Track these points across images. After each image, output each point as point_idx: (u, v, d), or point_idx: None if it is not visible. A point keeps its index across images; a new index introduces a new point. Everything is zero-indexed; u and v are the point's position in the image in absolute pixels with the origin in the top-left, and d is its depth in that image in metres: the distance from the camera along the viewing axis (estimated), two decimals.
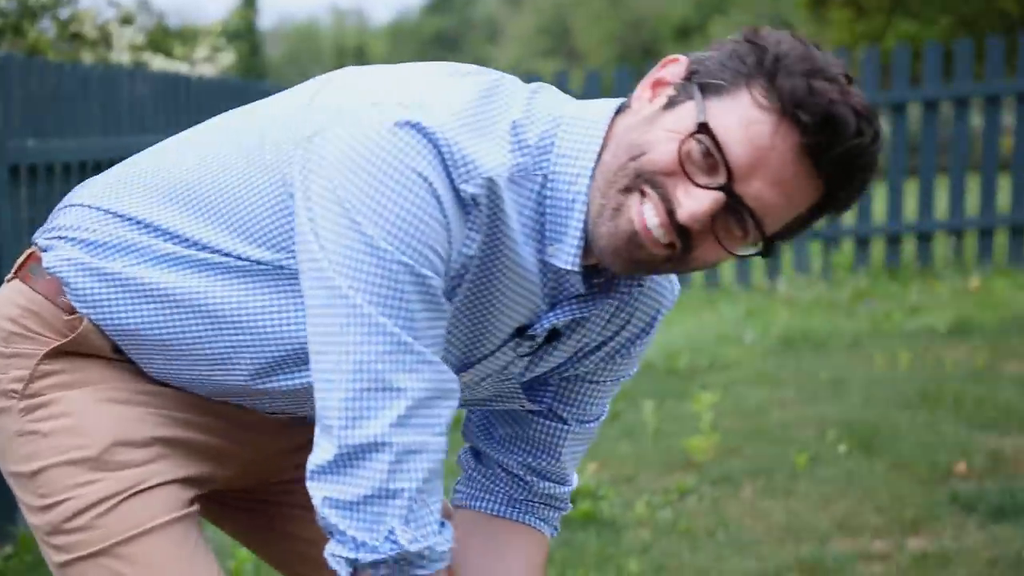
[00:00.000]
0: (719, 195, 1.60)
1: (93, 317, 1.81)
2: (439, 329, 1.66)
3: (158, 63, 7.18)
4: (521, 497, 2.02)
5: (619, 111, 1.72)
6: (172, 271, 1.78)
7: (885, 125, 9.66)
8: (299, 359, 1.77)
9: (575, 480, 2.07)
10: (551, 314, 1.79)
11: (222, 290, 1.76)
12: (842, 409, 5.50)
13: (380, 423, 1.61)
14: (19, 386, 1.83)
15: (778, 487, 4.56)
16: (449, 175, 1.60)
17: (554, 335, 1.83)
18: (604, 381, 1.97)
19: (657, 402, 5.63)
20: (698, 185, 1.60)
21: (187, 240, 1.78)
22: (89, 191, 1.91)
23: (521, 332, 1.80)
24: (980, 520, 4.08)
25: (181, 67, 7.66)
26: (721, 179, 1.60)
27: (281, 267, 1.73)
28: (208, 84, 6.87)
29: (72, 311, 1.82)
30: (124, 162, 1.96)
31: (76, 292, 1.82)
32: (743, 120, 1.59)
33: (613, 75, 9.80)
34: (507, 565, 2.01)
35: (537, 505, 2.03)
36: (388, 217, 1.59)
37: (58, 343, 1.82)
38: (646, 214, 1.63)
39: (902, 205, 9.35)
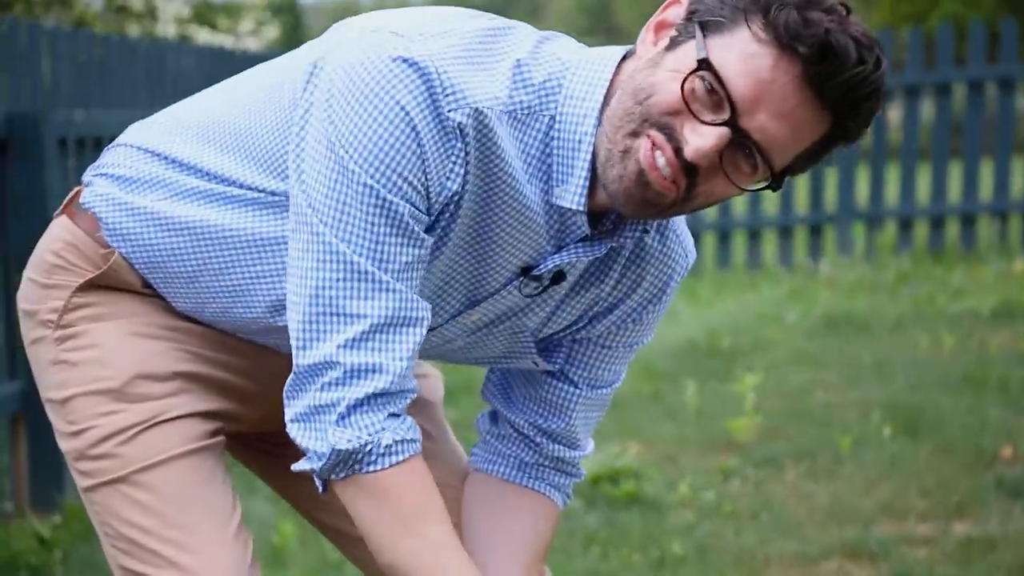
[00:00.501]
0: (724, 130, 1.63)
1: (123, 250, 1.90)
2: (409, 257, 1.68)
3: (203, 36, 7.20)
4: (531, 460, 2.03)
5: (626, 57, 1.75)
6: (196, 204, 1.85)
7: (929, 106, 9.58)
8: None
9: (590, 447, 2.08)
10: (556, 256, 1.80)
11: (241, 221, 1.82)
12: (886, 392, 5.47)
13: (330, 345, 1.67)
14: (55, 316, 1.92)
15: (822, 470, 4.54)
16: (435, 103, 1.63)
17: (559, 277, 1.84)
18: (616, 346, 1.98)
19: (699, 383, 5.60)
20: (703, 122, 1.63)
21: (210, 174, 1.85)
22: (133, 132, 2.00)
23: (526, 272, 1.82)
24: None
25: (226, 41, 7.67)
26: (725, 114, 1.62)
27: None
28: (252, 58, 6.87)
29: (107, 245, 1.90)
30: (170, 107, 2.05)
31: (108, 226, 1.90)
32: (743, 54, 1.61)
33: None
34: (512, 532, 2.02)
35: (548, 470, 2.03)
36: (362, 142, 1.63)
37: (91, 275, 1.90)
38: (655, 154, 1.65)
39: (946, 187, 9.27)
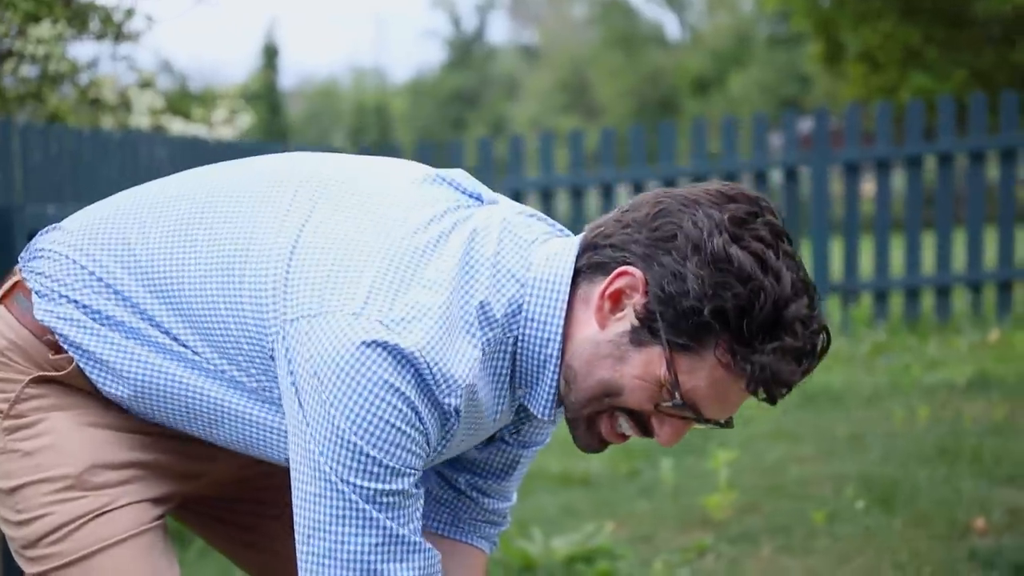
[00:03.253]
0: (692, 421, 1.80)
1: (85, 370, 1.90)
2: (419, 511, 1.81)
3: (177, 126, 7.25)
4: (466, 516, 2.16)
5: (579, 277, 1.82)
6: (173, 362, 1.87)
7: (900, 179, 9.68)
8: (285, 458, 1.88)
9: (515, 497, 2.22)
10: (516, 423, 2.02)
11: (230, 397, 1.86)
12: (860, 465, 5.49)
13: None
14: (4, 406, 1.93)
15: (796, 544, 4.55)
16: (431, 392, 1.72)
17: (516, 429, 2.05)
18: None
19: (675, 460, 5.62)
20: (671, 415, 1.78)
21: (178, 339, 1.86)
22: (71, 238, 1.96)
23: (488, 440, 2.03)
24: None
25: (200, 130, 7.72)
26: (692, 415, 1.78)
27: (264, 390, 1.83)
28: (226, 146, 6.93)
29: (59, 350, 1.91)
30: (104, 203, 2.02)
31: (72, 346, 1.89)
32: (711, 379, 1.74)
33: (628, 132, 9.85)
34: None
35: (480, 524, 2.17)
36: (366, 426, 1.71)
37: (41, 374, 1.91)
38: (622, 429, 1.83)
39: (920, 258, 9.35)
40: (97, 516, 1.90)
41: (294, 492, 1.77)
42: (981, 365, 7.49)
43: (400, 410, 1.70)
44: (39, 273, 1.94)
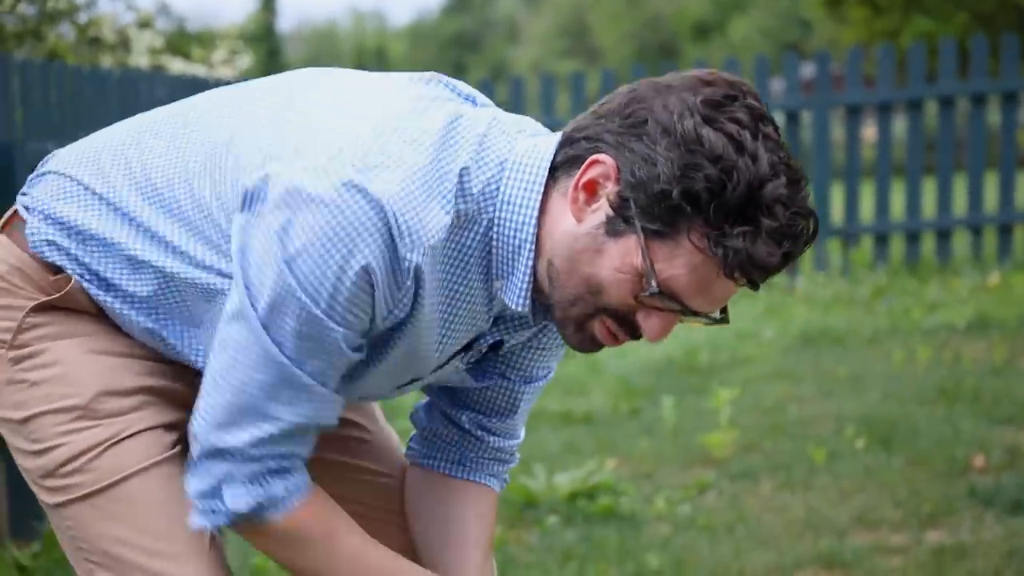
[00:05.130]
0: (677, 313, 1.74)
1: (92, 291, 1.90)
2: (338, 369, 1.77)
3: (176, 66, 7.22)
4: (472, 455, 2.13)
5: (553, 166, 1.79)
6: (158, 254, 1.87)
7: (902, 122, 9.66)
8: None
9: (523, 434, 2.18)
10: (495, 330, 1.92)
11: (200, 301, 1.87)
12: (860, 405, 5.51)
13: (243, 436, 1.77)
14: (8, 336, 1.92)
15: (796, 482, 4.57)
16: (393, 245, 1.68)
17: (497, 346, 1.96)
18: (547, 347, 2.07)
19: (676, 399, 5.64)
20: (657, 308, 1.74)
21: (168, 245, 1.86)
22: (63, 161, 1.97)
23: (467, 348, 1.92)
24: (997, 514, 4.09)
25: (199, 70, 7.70)
26: (677, 306, 1.72)
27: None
28: (226, 86, 6.90)
29: (58, 271, 1.90)
30: (99, 131, 2.02)
31: (67, 265, 1.90)
32: (689, 267, 1.69)
33: (629, 74, 9.81)
34: (461, 526, 2.12)
35: (487, 461, 2.14)
36: (314, 272, 1.67)
37: (44, 299, 1.90)
38: (612, 331, 1.78)
39: (921, 202, 9.34)
40: (112, 445, 1.89)
41: (224, 309, 1.78)
42: (981, 308, 7.51)
43: (351, 256, 1.66)
44: (32, 196, 1.95)
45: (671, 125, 1.66)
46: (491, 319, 1.88)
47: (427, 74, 1.92)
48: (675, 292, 1.70)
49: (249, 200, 1.73)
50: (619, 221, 1.70)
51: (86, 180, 1.92)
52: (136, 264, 1.87)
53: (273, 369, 1.73)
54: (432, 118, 1.77)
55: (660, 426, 5.38)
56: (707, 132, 1.64)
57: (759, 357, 6.70)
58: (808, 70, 18.42)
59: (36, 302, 1.91)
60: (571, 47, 42.81)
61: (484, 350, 1.95)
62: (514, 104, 9.71)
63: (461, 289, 1.80)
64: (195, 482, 1.81)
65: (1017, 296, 7.94)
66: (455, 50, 46.81)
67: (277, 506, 1.81)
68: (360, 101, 1.81)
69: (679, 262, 1.68)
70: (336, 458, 2.17)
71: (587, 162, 1.73)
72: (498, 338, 1.92)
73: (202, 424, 1.79)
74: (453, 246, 1.76)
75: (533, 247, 1.77)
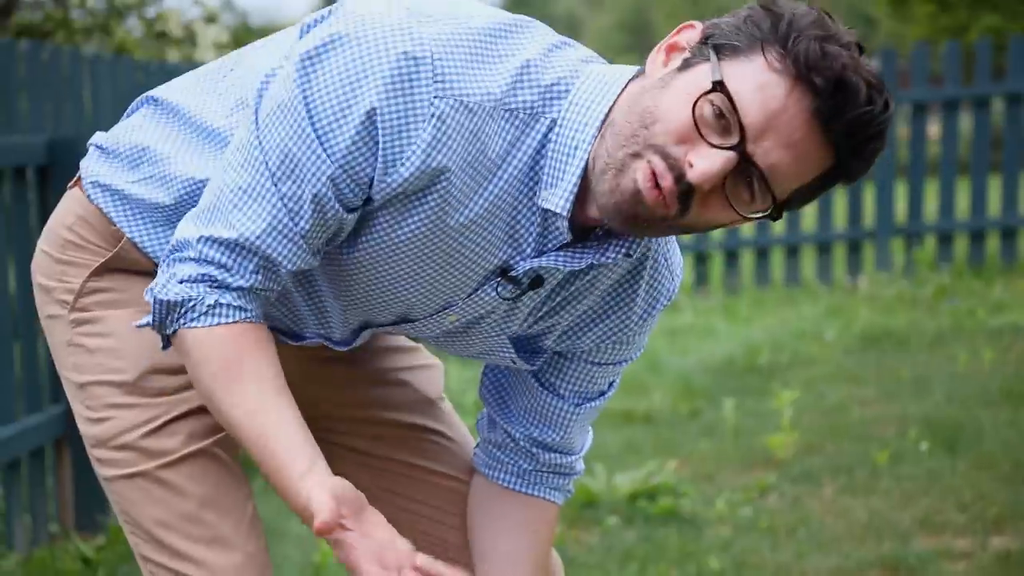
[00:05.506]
0: (731, 155, 1.64)
1: (129, 236, 1.92)
2: (318, 215, 1.70)
3: None
4: (529, 467, 2.08)
5: (636, 75, 1.76)
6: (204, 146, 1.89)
7: (967, 120, 9.56)
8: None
9: (586, 444, 2.13)
10: (534, 259, 1.80)
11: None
12: (924, 407, 5.46)
13: (200, 231, 1.72)
14: (70, 298, 1.96)
15: (859, 485, 4.54)
16: (417, 83, 1.64)
17: (537, 282, 1.84)
18: (604, 363, 2.01)
19: (737, 399, 5.62)
20: (711, 144, 1.64)
21: (215, 131, 1.89)
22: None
23: (504, 273, 1.82)
24: None
25: None
26: (734, 139, 1.64)
27: None
28: None
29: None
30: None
31: (106, 213, 1.92)
32: (757, 82, 1.63)
33: None
34: (514, 540, 2.09)
35: (546, 474, 2.09)
36: (327, 88, 1.66)
37: (104, 258, 1.93)
38: (656, 171, 1.65)
39: (986, 200, 9.24)
40: (160, 427, 1.91)
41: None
42: None
43: (364, 87, 1.64)
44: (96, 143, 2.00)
45: (754, 3, 1.69)
46: (532, 244, 1.80)
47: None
48: (737, 104, 1.63)
49: (304, 27, 1.76)
50: (696, 56, 1.68)
51: (136, 120, 1.97)
52: (170, 178, 1.89)
53: (250, 173, 1.70)
54: (504, 16, 1.77)
55: (721, 427, 5.36)
56: (788, 4, 1.68)
57: (821, 358, 6.65)
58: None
59: (97, 264, 1.93)
60: (632, 43, 42.72)
61: (524, 286, 1.84)
62: None
63: (506, 188, 1.74)
64: (154, 283, 1.78)
65: None
66: None
67: (200, 315, 1.74)
68: None
69: (749, 76, 1.63)
70: (409, 459, 2.17)
71: (679, 27, 1.73)
72: (534, 265, 1.80)
73: (183, 222, 1.78)
74: (509, 136, 1.72)
75: (589, 150, 1.71)
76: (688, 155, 1.65)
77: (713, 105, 1.63)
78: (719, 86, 1.63)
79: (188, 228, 1.75)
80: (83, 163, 1.99)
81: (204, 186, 1.85)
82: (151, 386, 1.92)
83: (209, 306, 1.73)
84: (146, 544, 1.93)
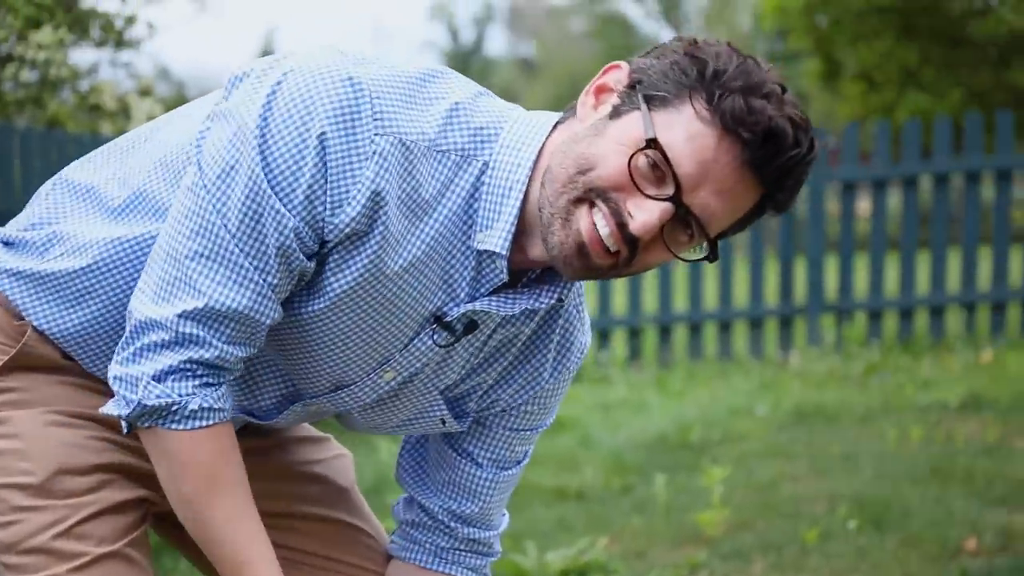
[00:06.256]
0: (668, 206, 1.69)
1: (36, 324, 1.87)
2: (283, 267, 1.71)
3: None
4: (447, 545, 2.10)
5: (563, 118, 1.80)
6: (109, 223, 1.86)
7: (896, 198, 9.69)
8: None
9: (503, 523, 2.15)
10: (468, 303, 1.83)
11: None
12: (853, 484, 5.49)
13: (172, 309, 1.71)
14: None
15: (788, 563, 4.55)
16: (358, 122, 1.66)
17: (471, 327, 1.86)
18: (519, 429, 2.04)
19: (669, 476, 5.63)
20: (648, 196, 1.69)
21: (120, 201, 1.87)
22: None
23: (438, 320, 1.84)
24: None
25: None
26: (669, 190, 1.68)
27: None
28: None
29: (20, 316, 1.89)
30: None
31: (13, 302, 1.88)
32: (688, 133, 1.67)
33: None
34: None
35: (463, 554, 2.11)
36: (271, 134, 1.66)
37: (8, 355, 1.88)
38: (597, 224, 1.70)
39: (914, 278, 9.36)
40: (69, 528, 1.86)
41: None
42: (974, 386, 7.50)
43: (311, 124, 1.65)
44: None
45: (679, 40, 1.74)
46: (465, 288, 1.82)
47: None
48: (671, 158, 1.67)
49: (229, 83, 1.75)
50: (625, 103, 1.71)
51: (42, 195, 1.95)
52: (81, 244, 1.86)
53: (208, 240, 1.69)
54: (420, 64, 1.80)
55: (652, 503, 5.37)
56: (713, 44, 1.72)
57: (752, 433, 6.68)
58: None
59: (1, 361, 1.88)
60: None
61: (459, 332, 1.85)
62: None
63: (440, 230, 1.76)
64: (116, 364, 1.76)
65: (1011, 374, 7.94)
66: None
67: (183, 418, 1.75)
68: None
69: (679, 128, 1.67)
70: (326, 552, 2.16)
71: (605, 68, 1.76)
72: (469, 309, 1.82)
73: (139, 296, 1.75)
74: (442, 176, 1.73)
75: (523, 190, 1.75)
76: (627, 204, 1.69)
77: (648, 158, 1.67)
78: (652, 143, 1.66)
79: (149, 307, 1.72)
80: None
81: (121, 244, 1.82)
82: (60, 487, 1.87)
83: (192, 411, 1.74)
84: None
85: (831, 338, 9.47)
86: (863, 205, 11.81)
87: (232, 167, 1.67)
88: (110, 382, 1.77)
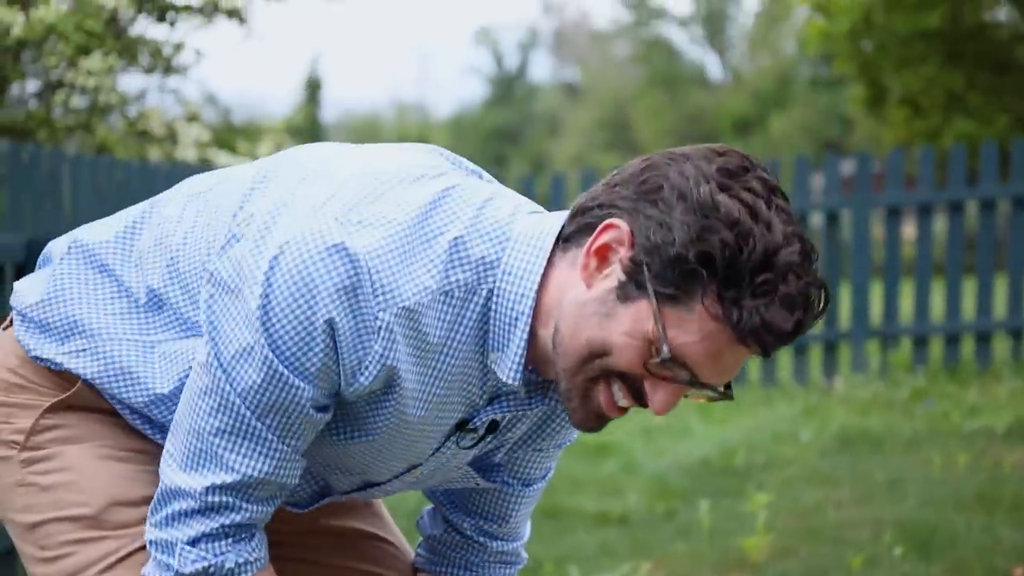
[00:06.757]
0: (685, 385, 1.72)
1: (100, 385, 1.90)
2: (304, 427, 1.76)
3: (223, 159, 7.32)
4: (477, 560, 2.14)
5: (562, 237, 1.78)
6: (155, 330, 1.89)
7: (942, 223, 9.64)
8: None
9: (527, 532, 2.18)
10: (489, 408, 1.86)
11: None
12: (898, 511, 5.46)
13: (201, 481, 1.76)
14: (20, 438, 1.91)
15: None
16: (361, 301, 1.67)
17: (493, 427, 1.91)
18: (545, 448, 2.06)
19: (713, 500, 5.61)
20: (665, 379, 1.71)
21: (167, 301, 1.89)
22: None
23: (461, 426, 1.88)
24: None
25: (245, 162, 7.80)
26: (686, 376, 1.70)
27: None
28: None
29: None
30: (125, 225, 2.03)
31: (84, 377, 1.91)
32: (701, 333, 1.67)
33: None
34: None
35: (492, 565, 2.15)
36: (280, 320, 1.67)
37: (56, 399, 1.90)
38: (616, 398, 1.75)
39: (960, 304, 9.31)
40: (123, 558, 1.87)
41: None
42: (1021, 412, 7.44)
43: (316, 310, 1.66)
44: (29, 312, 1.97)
45: (687, 191, 1.66)
46: (485, 395, 1.85)
47: (427, 145, 1.93)
48: (686, 360, 1.68)
49: (227, 242, 1.77)
50: (631, 286, 1.69)
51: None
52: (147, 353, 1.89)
53: (230, 417, 1.73)
54: (425, 186, 1.78)
55: (696, 528, 5.35)
56: (723, 198, 1.65)
57: (796, 459, 6.66)
58: (848, 167, 18.38)
59: (50, 402, 1.91)
60: (611, 141, 43.06)
61: (481, 432, 1.90)
62: (554, 198, 9.78)
63: (455, 362, 1.78)
64: (151, 526, 1.81)
65: None
66: (496, 143, 47.18)
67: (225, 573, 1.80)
68: (354, 162, 1.83)
69: (691, 328, 1.66)
70: (354, 565, 2.19)
71: (601, 227, 1.72)
72: (493, 415, 1.87)
73: (167, 461, 1.79)
74: (449, 316, 1.74)
75: (529, 321, 1.75)
76: (645, 386, 1.73)
77: (665, 361, 1.68)
78: (671, 354, 1.68)
79: (179, 475, 1.77)
80: (14, 326, 1.96)
81: (149, 359, 1.86)
82: (113, 519, 1.89)
83: (230, 568, 1.79)
84: None
85: (876, 364, 9.43)
86: (908, 230, 11.77)
87: (245, 349, 1.70)
88: (147, 544, 1.83)
